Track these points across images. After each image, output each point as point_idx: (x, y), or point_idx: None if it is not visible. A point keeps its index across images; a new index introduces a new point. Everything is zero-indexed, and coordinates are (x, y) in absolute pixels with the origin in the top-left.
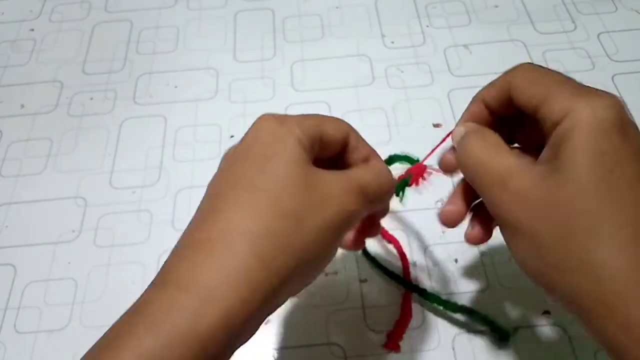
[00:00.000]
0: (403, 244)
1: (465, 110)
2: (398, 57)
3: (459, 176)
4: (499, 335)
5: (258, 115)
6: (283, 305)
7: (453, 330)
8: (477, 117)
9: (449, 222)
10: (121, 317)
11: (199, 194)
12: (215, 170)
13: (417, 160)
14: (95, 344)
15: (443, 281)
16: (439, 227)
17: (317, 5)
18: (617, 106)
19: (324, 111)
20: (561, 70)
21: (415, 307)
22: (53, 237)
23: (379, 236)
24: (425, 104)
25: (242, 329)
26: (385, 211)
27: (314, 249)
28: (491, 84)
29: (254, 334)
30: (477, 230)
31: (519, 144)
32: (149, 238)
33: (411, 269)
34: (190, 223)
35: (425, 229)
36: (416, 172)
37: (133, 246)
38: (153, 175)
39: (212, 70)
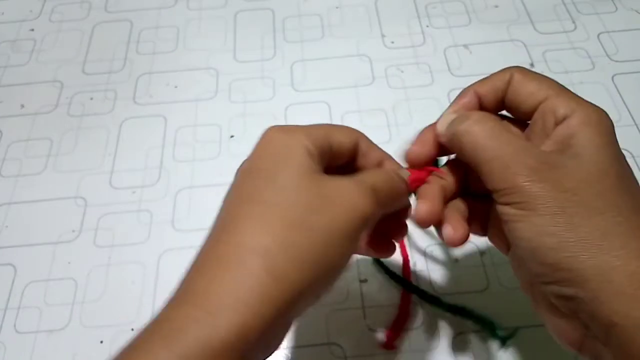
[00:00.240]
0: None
1: (454, 102)
2: (398, 57)
3: None
4: (499, 338)
5: (258, 115)
6: None
7: (453, 330)
8: (467, 108)
9: (424, 224)
10: (138, 334)
11: (199, 194)
12: (215, 170)
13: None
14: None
15: (443, 281)
16: None
17: (317, 5)
18: (608, 117)
19: (324, 111)
20: (561, 70)
21: (416, 308)
22: (53, 237)
23: None
24: (425, 104)
25: (257, 344)
26: (407, 210)
27: (326, 257)
28: (486, 78)
29: (275, 348)
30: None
31: None
32: (149, 238)
33: (411, 269)
34: (205, 239)
35: (426, 229)
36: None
37: (133, 246)
38: (153, 175)
39: (212, 70)
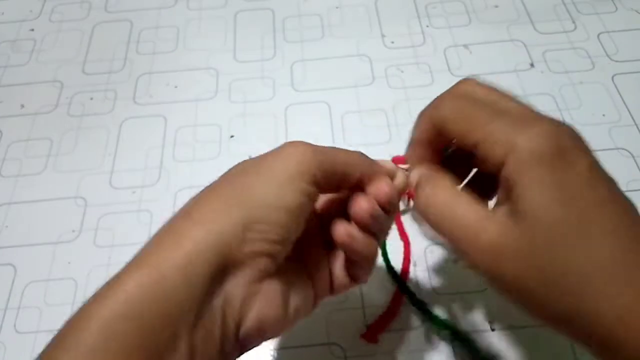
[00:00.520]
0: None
1: (411, 145)
2: (398, 57)
3: None
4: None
5: (258, 115)
6: None
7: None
8: (424, 156)
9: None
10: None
11: None
12: (215, 170)
13: None
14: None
15: (443, 281)
16: None
17: (317, 5)
18: (553, 133)
19: (324, 111)
20: (561, 70)
21: (415, 308)
22: (53, 237)
23: (395, 231)
24: (425, 104)
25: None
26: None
27: (265, 197)
28: (422, 122)
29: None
30: None
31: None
32: (149, 238)
33: (411, 269)
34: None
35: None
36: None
37: (133, 246)
38: (153, 175)
39: (212, 70)
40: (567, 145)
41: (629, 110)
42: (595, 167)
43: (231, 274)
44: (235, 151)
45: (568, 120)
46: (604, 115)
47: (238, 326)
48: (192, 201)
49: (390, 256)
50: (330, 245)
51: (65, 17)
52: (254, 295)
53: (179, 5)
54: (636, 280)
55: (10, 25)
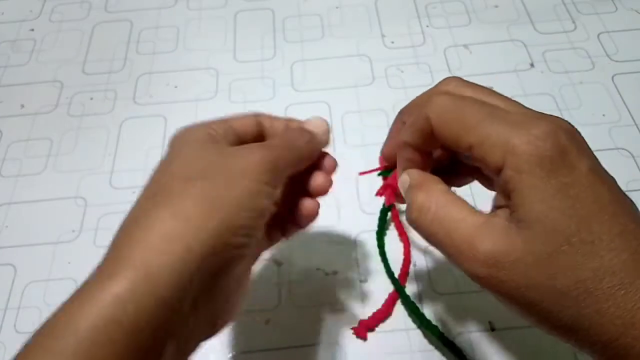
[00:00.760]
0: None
1: (388, 144)
2: (398, 57)
3: None
4: None
5: None
6: (282, 306)
7: (453, 330)
8: (411, 158)
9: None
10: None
11: None
12: None
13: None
14: None
15: (442, 281)
16: None
17: (317, 5)
18: (552, 134)
19: (324, 111)
20: (561, 70)
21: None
22: (53, 237)
23: (395, 230)
24: None
25: (184, 278)
26: (322, 160)
27: (229, 194)
28: (411, 124)
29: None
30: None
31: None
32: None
33: (411, 269)
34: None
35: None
36: (393, 184)
37: None
38: None
39: (212, 70)
40: (566, 147)
41: (629, 110)
42: (596, 168)
43: (220, 273)
44: None
45: (568, 120)
46: (604, 115)
47: (217, 323)
48: (164, 189)
49: (389, 256)
50: None
51: (65, 17)
52: (237, 290)
53: (179, 5)
54: None
55: (10, 25)
